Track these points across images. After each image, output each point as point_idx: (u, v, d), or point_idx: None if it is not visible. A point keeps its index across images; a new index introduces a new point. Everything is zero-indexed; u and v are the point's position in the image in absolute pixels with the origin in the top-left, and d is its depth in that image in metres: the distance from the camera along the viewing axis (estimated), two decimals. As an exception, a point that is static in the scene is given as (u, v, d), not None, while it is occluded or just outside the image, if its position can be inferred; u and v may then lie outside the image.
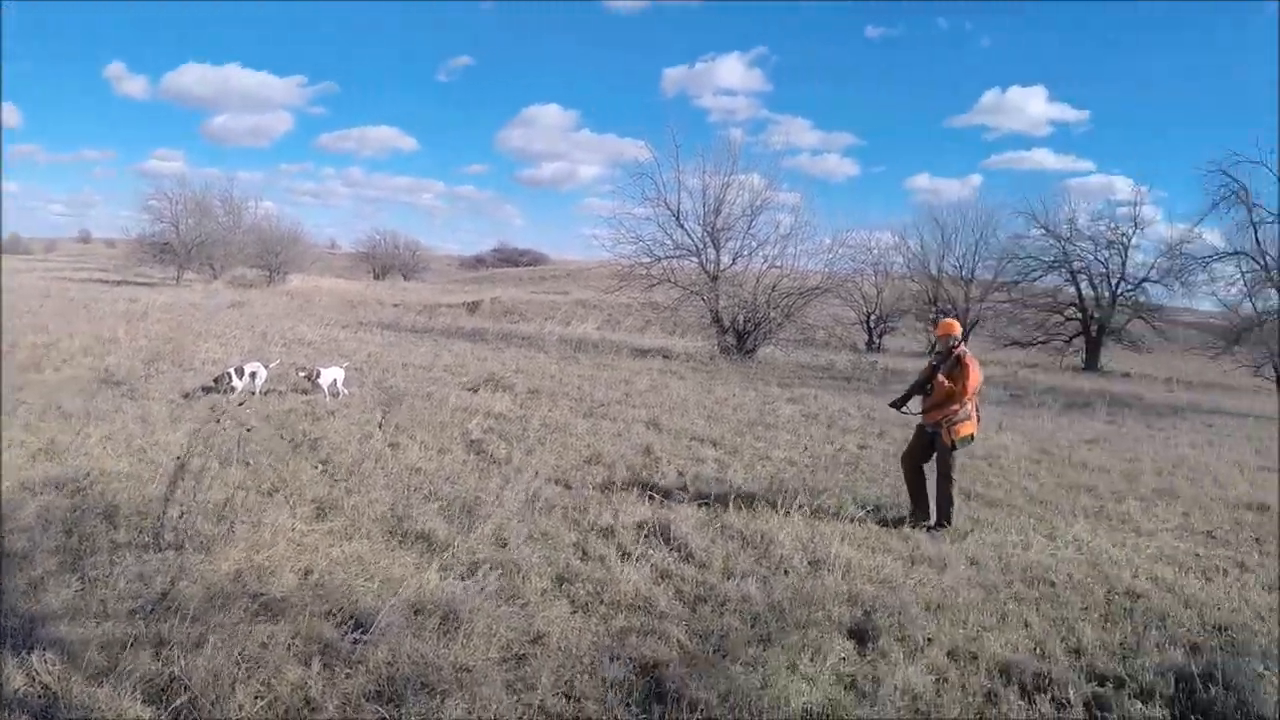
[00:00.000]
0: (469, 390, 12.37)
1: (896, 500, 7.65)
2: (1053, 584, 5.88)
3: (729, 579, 5.49)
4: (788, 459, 9.39)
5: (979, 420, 7.34)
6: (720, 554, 5.94)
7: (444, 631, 4.46)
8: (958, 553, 6.39)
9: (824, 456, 9.62)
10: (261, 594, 4.70)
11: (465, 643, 4.35)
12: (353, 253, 74.20)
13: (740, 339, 21.94)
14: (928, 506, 7.20)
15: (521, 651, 4.35)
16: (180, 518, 5.38)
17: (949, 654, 4.64)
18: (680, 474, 8.29)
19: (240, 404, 9.61)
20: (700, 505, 7.10)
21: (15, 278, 35.29)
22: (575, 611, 4.91)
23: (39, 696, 3.69)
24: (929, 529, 6.97)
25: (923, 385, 7.38)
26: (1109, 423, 14.85)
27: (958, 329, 7.47)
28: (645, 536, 6.18)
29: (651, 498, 7.18)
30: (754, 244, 23.32)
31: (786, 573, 5.72)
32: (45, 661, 3.86)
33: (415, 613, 4.65)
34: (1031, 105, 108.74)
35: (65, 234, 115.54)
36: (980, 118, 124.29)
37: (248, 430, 6.74)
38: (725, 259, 23.32)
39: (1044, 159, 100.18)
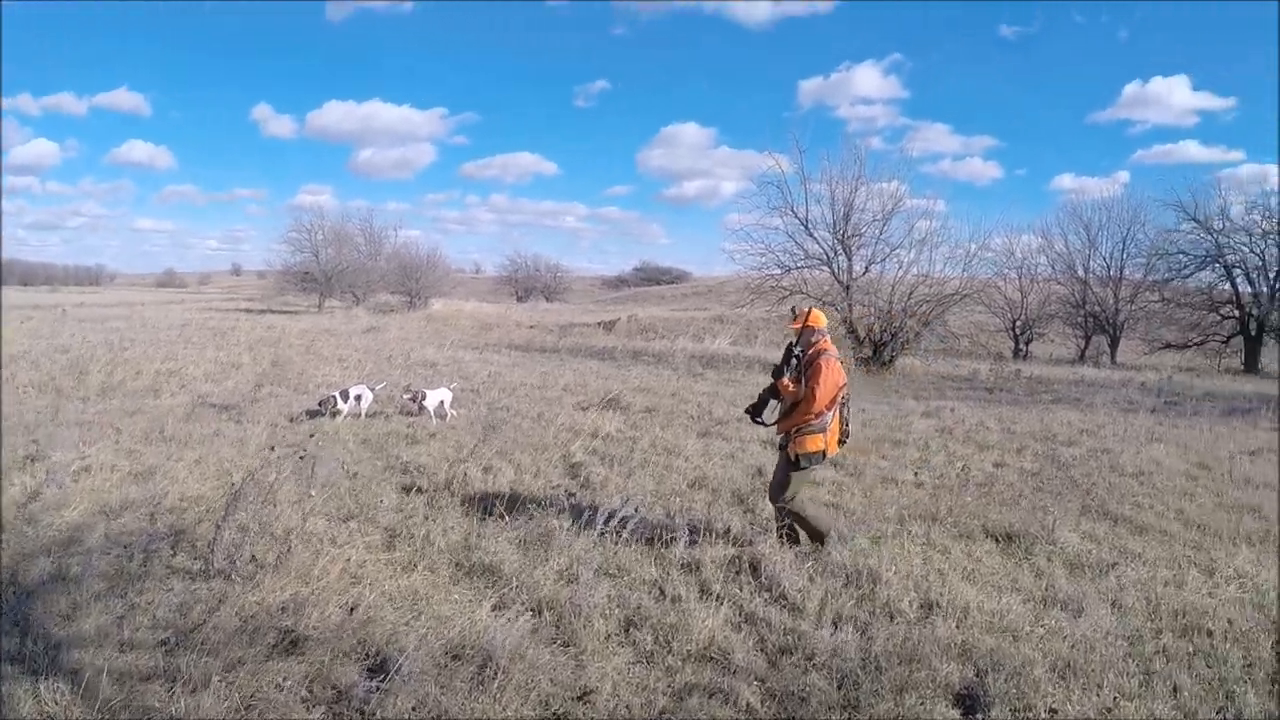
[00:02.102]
0: (581, 409, 12.04)
1: (1029, 526, 6.77)
2: (1210, 633, 4.92)
3: (821, 626, 4.82)
4: (915, 480, 8.53)
5: (843, 436, 6.17)
6: (818, 595, 5.26)
7: (478, 682, 4.03)
8: (1098, 593, 5.48)
9: (950, 476, 8.74)
10: (292, 630, 4.43)
11: (498, 696, 3.90)
12: (497, 276, 76.03)
13: (876, 350, 20.96)
14: (815, 531, 6.11)
15: (561, 710, 3.88)
16: (238, 545, 5.20)
17: (1075, 731, 3.79)
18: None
19: (311, 435, 9.54)
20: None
21: (164, 310, 38.12)
22: (637, 662, 4.40)
23: (43, 727, 3.50)
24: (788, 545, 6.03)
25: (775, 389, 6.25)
26: (1274, 431, 12.86)
27: (823, 321, 6.23)
28: (736, 574, 5.59)
29: (750, 526, 6.59)
30: (886, 249, 22.36)
31: (892, 618, 5.00)
32: (55, 691, 3.72)
33: (454, 658, 4.28)
34: (1175, 95, 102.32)
35: (219, 268, 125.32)
36: (1124, 112, 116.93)
37: (302, 457, 6.59)
38: (858, 266, 22.42)
39: (1193, 151, 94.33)
